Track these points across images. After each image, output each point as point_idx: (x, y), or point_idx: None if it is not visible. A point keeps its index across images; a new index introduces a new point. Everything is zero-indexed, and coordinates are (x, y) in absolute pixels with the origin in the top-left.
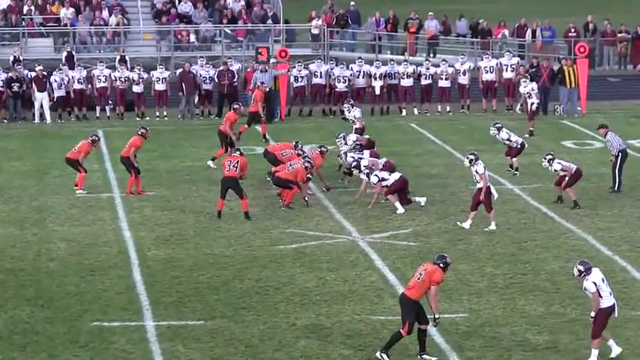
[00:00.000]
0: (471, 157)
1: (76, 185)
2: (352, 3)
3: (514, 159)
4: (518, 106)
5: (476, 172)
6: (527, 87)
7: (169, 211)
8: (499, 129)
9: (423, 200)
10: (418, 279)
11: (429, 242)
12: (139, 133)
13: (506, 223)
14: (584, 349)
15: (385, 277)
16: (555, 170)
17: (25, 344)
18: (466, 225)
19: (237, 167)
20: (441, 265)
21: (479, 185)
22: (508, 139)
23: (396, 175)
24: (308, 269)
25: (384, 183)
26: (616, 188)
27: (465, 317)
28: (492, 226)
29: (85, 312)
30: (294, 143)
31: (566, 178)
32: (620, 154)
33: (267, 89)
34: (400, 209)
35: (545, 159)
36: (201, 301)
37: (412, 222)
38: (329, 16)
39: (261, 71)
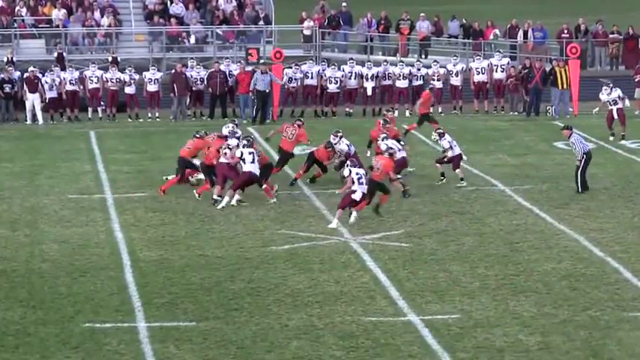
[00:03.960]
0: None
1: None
2: (344, 4)
3: (457, 169)
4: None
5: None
6: (613, 94)
7: (161, 213)
8: (440, 135)
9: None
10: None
11: (421, 243)
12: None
13: (498, 224)
14: (576, 350)
15: (377, 279)
16: (444, 148)
17: (17, 345)
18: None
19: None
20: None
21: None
22: (450, 148)
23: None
24: (300, 270)
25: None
26: (580, 190)
27: (457, 318)
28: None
29: (77, 313)
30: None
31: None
32: (584, 156)
33: (266, 91)
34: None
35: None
36: (193, 303)
37: (404, 223)
38: (320, 17)
39: (262, 72)
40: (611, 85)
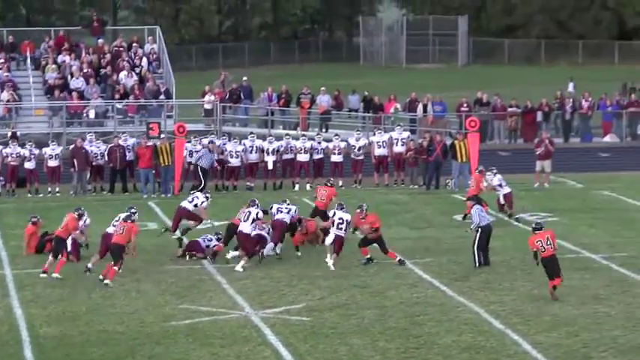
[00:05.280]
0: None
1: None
2: (244, 78)
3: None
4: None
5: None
6: (494, 181)
7: (61, 288)
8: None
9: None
10: None
11: (322, 317)
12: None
13: (398, 297)
14: None
15: (278, 353)
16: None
17: None
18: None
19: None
20: None
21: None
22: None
23: None
24: (201, 345)
25: None
26: (476, 264)
27: None
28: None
29: None
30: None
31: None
32: (479, 229)
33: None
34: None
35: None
36: None
37: (305, 297)
38: (221, 91)
39: (210, 151)
40: (494, 170)
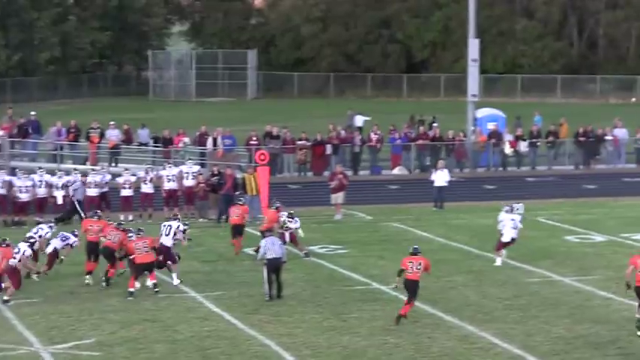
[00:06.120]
0: None
1: None
2: (33, 113)
3: None
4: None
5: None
6: (282, 218)
7: None
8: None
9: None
10: None
11: (112, 351)
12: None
13: (189, 330)
14: None
15: None
16: None
17: None
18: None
19: None
20: None
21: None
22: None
23: None
24: None
25: None
26: (268, 297)
27: None
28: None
29: None
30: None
31: None
32: (266, 262)
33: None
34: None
35: None
36: None
37: (95, 331)
38: (9, 126)
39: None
40: (277, 204)
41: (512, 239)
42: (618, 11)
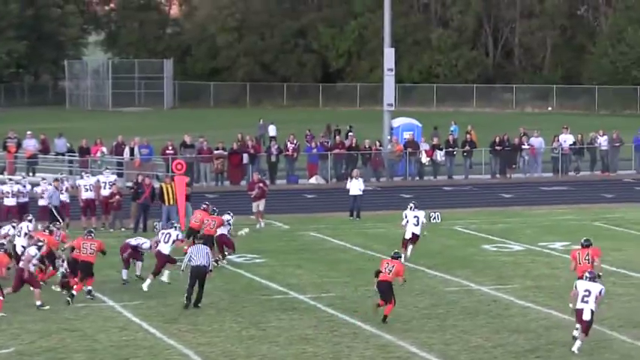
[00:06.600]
0: None
1: None
2: None
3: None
4: None
5: None
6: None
7: None
8: None
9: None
10: None
11: None
12: None
13: (108, 340)
14: None
15: None
16: None
17: None
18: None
19: None
20: None
21: None
22: None
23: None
24: None
25: None
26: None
27: None
28: None
29: None
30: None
31: None
32: (191, 268)
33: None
34: None
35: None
36: None
37: (14, 341)
38: None
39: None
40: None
41: (414, 234)
42: (533, 20)
